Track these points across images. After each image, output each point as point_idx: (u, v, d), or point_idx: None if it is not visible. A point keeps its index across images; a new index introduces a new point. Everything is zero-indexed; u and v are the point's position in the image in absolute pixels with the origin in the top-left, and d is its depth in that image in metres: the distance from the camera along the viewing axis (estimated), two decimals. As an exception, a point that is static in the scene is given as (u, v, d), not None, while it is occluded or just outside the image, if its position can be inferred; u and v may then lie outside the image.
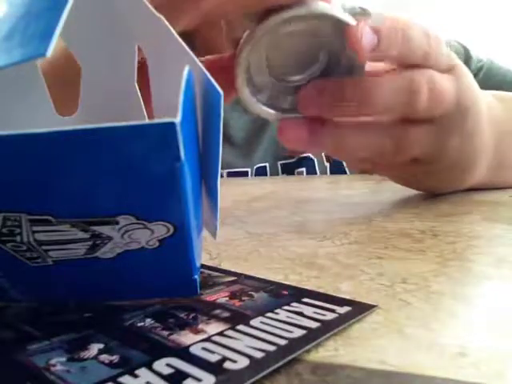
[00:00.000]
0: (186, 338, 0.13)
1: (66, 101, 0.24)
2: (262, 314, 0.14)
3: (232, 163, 0.70)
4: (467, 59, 0.70)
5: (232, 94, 0.28)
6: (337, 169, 0.70)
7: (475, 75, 0.69)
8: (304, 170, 0.73)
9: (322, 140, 0.28)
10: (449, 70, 0.31)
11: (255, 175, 0.73)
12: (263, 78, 0.28)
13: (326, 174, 0.72)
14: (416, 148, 0.31)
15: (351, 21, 0.26)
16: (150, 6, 0.19)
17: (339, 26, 0.26)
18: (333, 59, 0.28)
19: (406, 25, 0.27)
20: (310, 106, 0.27)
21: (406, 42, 0.27)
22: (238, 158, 0.71)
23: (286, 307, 0.15)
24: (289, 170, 0.73)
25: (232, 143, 0.70)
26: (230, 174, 0.71)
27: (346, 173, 0.69)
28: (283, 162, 0.73)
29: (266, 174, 0.74)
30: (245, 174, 0.73)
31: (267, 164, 0.73)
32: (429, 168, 0.34)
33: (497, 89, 0.66)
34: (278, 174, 0.73)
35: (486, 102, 0.35)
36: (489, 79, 0.68)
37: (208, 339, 0.13)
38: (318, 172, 0.73)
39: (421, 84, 0.28)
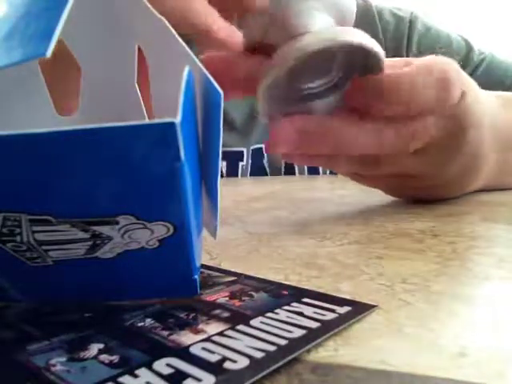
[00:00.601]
0: (186, 337, 0.13)
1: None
2: (262, 314, 0.14)
3: (227, 143, 0.68)
4: (469, 52, 0.70)
5: (229, 95, 0.28)
6: None
7: (477, 67, 0.68)
8: None
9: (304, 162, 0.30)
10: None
11: (252, 156, 0.71)
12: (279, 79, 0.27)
13: None
14: (395, 169, 0.32)
15: (378, 48, 0.25)
16: (149, 6, 0.19)
17: (364, 53, 0.25)
18: (347, 75, 0.28)
19: (410, 82, 0.27)
20: (285, 143, 0.27)
21: (408, 101, 0.27)
22: (234, 139, 0.69)
23: (286, 307, 0.15)
24: None
25: (227, 124, 0.68)
26: (225, 154, 0.68)
27: None
28: None
29: (263, 156, 0.72)
30: (240, 153, 0.71)
31: (264, 145, 0.72)
32: (424, 183, 0.34)
33: (498, 82, 0.65)
34: (274, 158, 0.72)
35: (490, 109, 0.35)
36: (490, 73, 0.67)
37: (208, 339, 0.13)
38: None
39: (388, 134, 0.28)
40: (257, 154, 0.71)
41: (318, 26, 0.26)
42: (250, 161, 0.71)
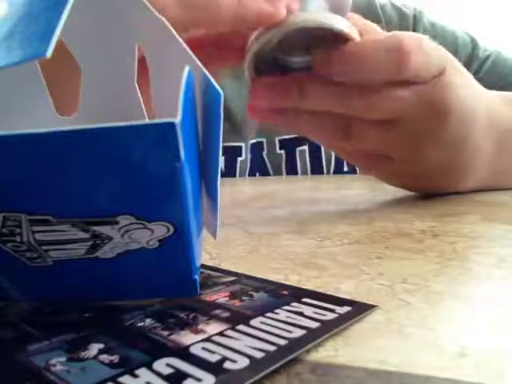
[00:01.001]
0: (186, 337, 0.13)
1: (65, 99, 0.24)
2: (262, 314, 0.14)
3: (224, 138, 0.68)
4: (474, 48, 0.69)
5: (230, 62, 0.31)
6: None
7: (483, 64, 0.68)
8: (306, 148, 0.70)
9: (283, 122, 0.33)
10: (431, 78, 0.30)
11: (251, 151, 0.70)
12: (268, 53, 0.30)
13: (330, 154, 0.70)
14: (366, 142, 0.32)
15: (348, 29, 0.28)
16: (150, 6, 0.19)
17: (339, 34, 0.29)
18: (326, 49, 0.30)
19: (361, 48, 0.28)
20: (256, 98, 0.31)
21: (363, 66, 0.29)
22: (232, 133, 0.68)
23: (286, 307, 0.15)
24: (289, 147, 0.70)
25: (224, 117, 0.67)
26: (223, 149, 0.68)
27: (348, 163, 0.67)
28: (282, 137, 0.70)
29: (263, 150, 0.71)
30: (238, 148, 0.69)
31: (264, 139, 0.70)
32: (406, 168, 0.34)
33: (505, 80, 0.65)
34: (275, 151, 0.71)
35: (488, 104, 0.35)
36: (497, 70, 0.67)
37: (208, 339, 0.13)
38: (322, 152, 0.70)
39: (352, 95, 0.30)
40: (256, 148, 0.70)
41: (311, 8, 0.29)
42: (249, 155, 0.71)
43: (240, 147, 0.69)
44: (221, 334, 0.13)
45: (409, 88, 0.30)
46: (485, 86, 0.36)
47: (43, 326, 0.15)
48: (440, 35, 0.71)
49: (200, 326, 0.14)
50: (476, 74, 0.64)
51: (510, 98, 0.40)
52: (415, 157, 0.33)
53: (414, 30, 0.72)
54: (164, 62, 0.20)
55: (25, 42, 0.13)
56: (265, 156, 0.71)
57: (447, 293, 0.17)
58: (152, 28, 0.19)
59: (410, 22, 0.72)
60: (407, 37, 0.29)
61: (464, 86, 0.32)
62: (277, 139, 0.70)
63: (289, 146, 0.70)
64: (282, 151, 0.71)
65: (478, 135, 0.34)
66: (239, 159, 0.70)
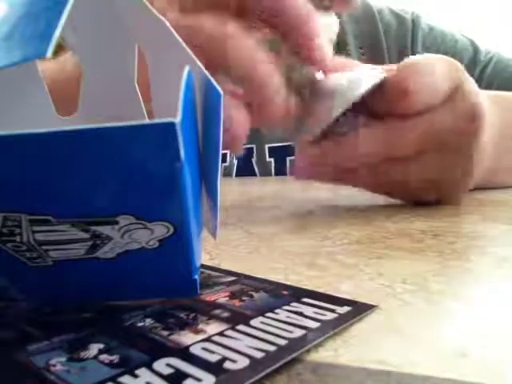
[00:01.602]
0: (186, 337, 0.13)
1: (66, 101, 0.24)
2: (262, 314, 0.14)
3: None
4: (475, 52, 0.69)
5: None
6: None
7: (485, 67, 0.68)
8: None
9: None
10: (451, 92, 0.31)
11: (239, 156, 0.70)
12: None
13: None
14: (399, 177, 0.33)
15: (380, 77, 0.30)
16: (150, 6, 0.19)
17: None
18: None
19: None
20: (301, 173, 0.33)
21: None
22: None
23: (286, 307, 0.15)
24: (279, 155, 0.70)
25: None
26: None
27: None
28: (272, 145, 0.70)
29: (253, 156, 0.71)
30: (222, 155, 0.69)
31: (254, 146, 0.70)
32: (428, 188, 0.34)
33: (508, 83, 0.65)
34: (265, 158, 0.70)
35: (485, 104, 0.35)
36: (500, 72, 0.66)
37: (208, 339, 0.13)
38: None
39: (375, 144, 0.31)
40: (245, 154, 0.70)
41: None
42: (234, 161, 0.70)
43: (225, 154, 0.69)
44: (221, 334, 0.13)
45: (434, 110, 0.30)
46: (489, 89, 0.37)
47: (43, 326, 0.15)
48: (439, 39, 0.71)
49: (200, 326, 0.14)
50: (479, 79, 0.64)
51: (496, 96, 0.40)
52: (444, 176, 0.33)
53: (413, 35, 0.71)
54: (164, 62, 0.20)
55: (24, 42, 0.13)
56: (254, 163, 0.71)
57: (447, 293, 0.17)
58: (152, 28, 0.19)
59: (409, 27, 0.72)
60: (397, 75, 0.30)
61: (475, 89, 0.33)
62: (266, 146, 0.70)
63: (279, 154, 0.70)
64: (272, 159, 0.71)
65: (482, 142, 0.34)
66: (223, 165, 0.69)
